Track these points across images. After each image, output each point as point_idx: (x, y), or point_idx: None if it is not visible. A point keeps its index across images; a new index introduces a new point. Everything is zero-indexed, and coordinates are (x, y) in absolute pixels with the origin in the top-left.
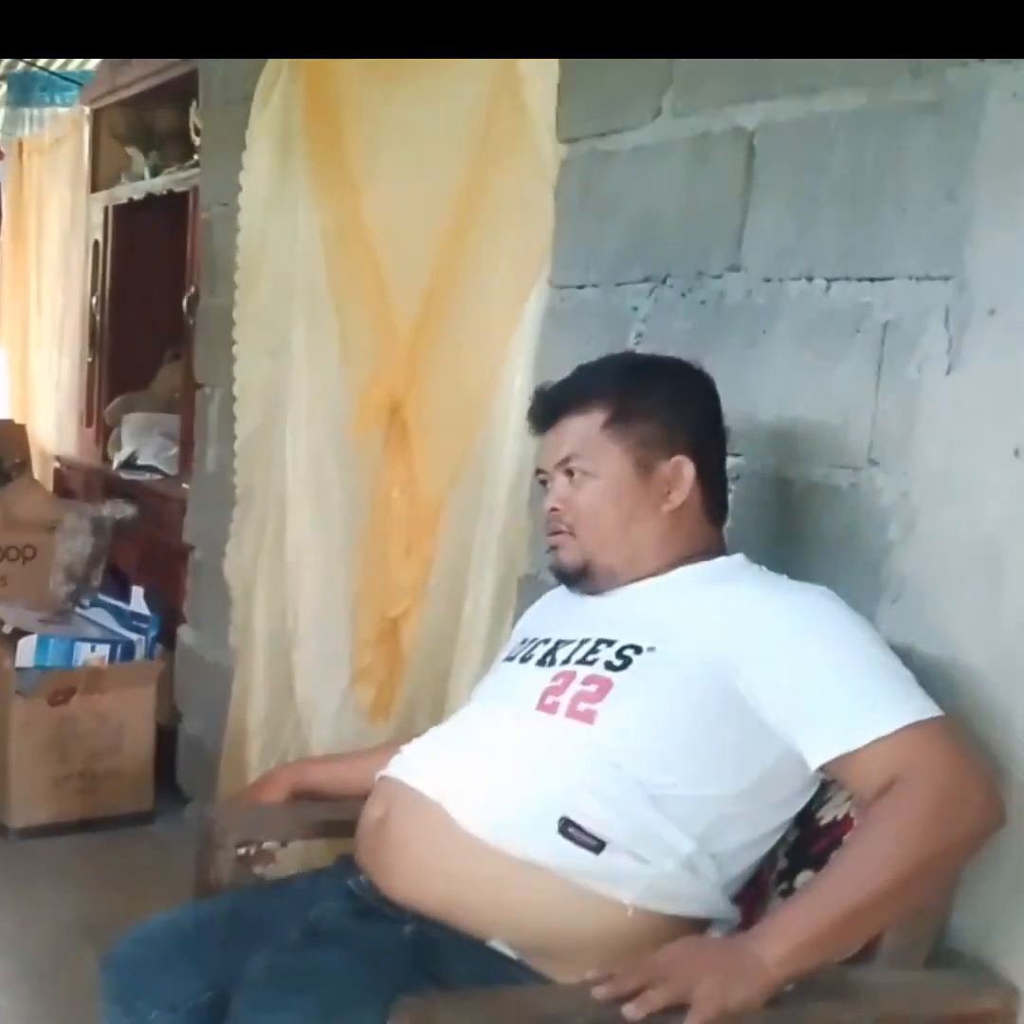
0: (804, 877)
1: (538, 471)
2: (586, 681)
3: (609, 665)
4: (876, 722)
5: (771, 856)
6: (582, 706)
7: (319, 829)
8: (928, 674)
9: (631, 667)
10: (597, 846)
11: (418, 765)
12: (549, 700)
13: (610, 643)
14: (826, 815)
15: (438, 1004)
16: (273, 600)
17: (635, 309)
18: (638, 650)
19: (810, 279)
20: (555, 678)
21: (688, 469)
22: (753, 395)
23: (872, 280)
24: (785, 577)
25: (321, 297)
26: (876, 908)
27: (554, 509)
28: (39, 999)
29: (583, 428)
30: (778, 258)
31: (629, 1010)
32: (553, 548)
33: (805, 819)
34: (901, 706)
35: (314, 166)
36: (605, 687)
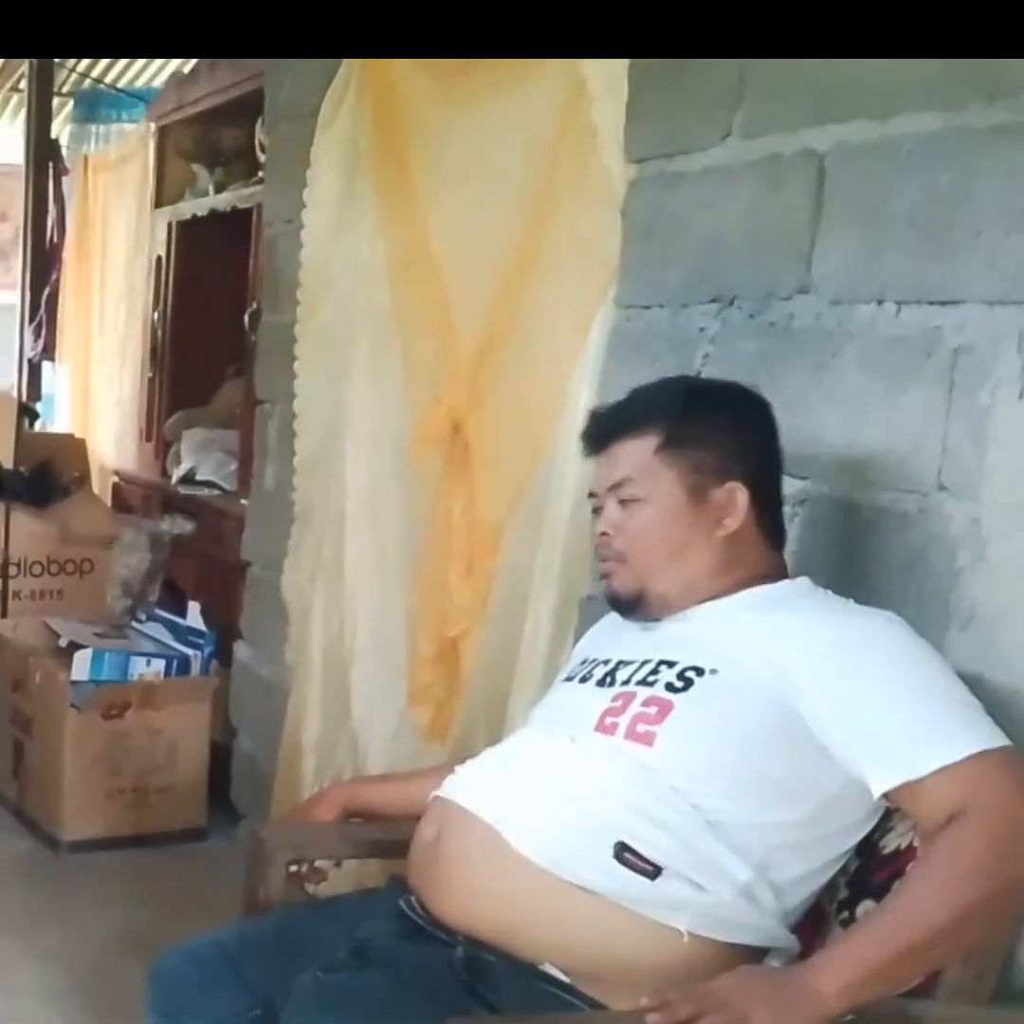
0: (865, 906)
1: (591, 494)
2: (646, 702)
3: (670, 686)
4: (942, 750)
5: (832, 885)
6: (641, 727)
7: (371, 849)
8: (997, 703)
9: (692, 689)
10: (653, 872)
11: (472, 786)
12: (608, 721)
13: (671, 664)
14: (889, 844)
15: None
16: (330, 618)
17: (702, 330)
18: (700, 672)
19: (881, 303)
20: (615, 699)
21: (742, 495)
22: (821, 419)
23: (943, 304)
24: (850, 601)
25: (385, 320)
26: (936, 943)
27: (604, 534)
28: (87, 1012)
29: (636, 452)
30: (848, 281)
31: None
32: (605, 576)
33: (867, 848)
34: (968, 734)
35: (379, 187)
36: (666, 709)
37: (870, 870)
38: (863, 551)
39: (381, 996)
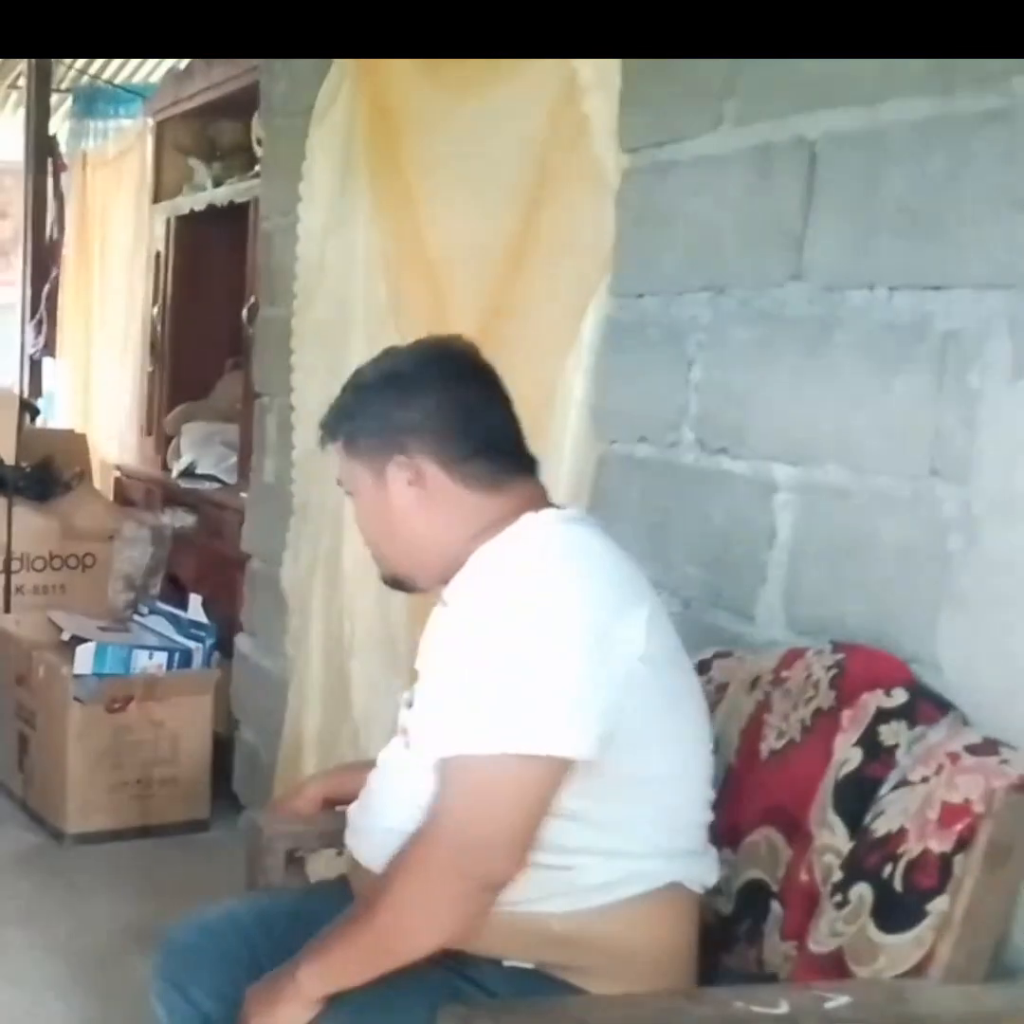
0: (859, 890)
1: None
2: (404, 730)
3: (409, 703)
4: (445, 740)
5: (825, 867)
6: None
7: None
8: (988, 688)
9: (414, 703)
10: None
11: (353, 838)
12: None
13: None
14: (879, 828)
15: (482, 1011)
16: (329, 610)
17: (695, 318)
18: (415, 677)
19: (872, 288)
20: (400, 727)
21: (408, 467)
22: (814, 405)
23: (936, 289)
24: (530, 556)
25: (381, 313)
26: (381, 940)
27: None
28: (93, 1002)
29: (338, 452)
30: (840, 267)
31: None
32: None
33: (861, 831)
34: (472, 733)
35: (374, 180)
36: (405, 732)
37: (863, 854)
38: (856, 537)
39: (372, 993)
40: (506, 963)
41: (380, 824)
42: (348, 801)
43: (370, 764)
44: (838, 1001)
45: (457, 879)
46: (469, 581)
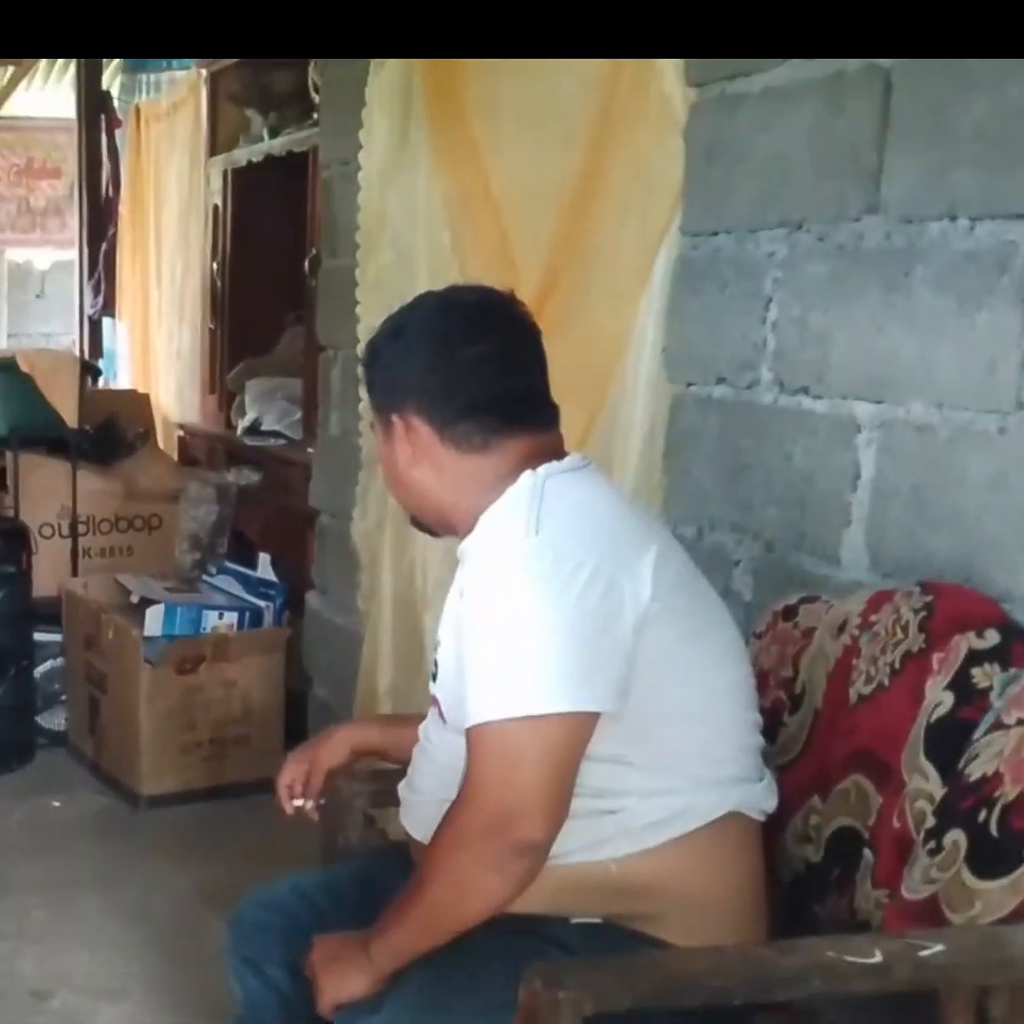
0: (953, 836)
1: None
2: (434, 700)
3: (433, 676)
4: (468, 710)
5: (918, 814)
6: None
7: None
8: None
9: (438, 674)
10: None
11: (403, 807)
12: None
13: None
14: (975, 772)
15: (567, 969)
16: (401, 564)
17: (771, 255)
18: (436, 647)
19: (953, 219)
20: (431, 698)
21: (399, 426)
22: (894, 341)
23: (1019, 217)
24: (523, 520)
25: (445, 261)
26: (435, 912)
27: None
28: (168, 964)
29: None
30: (918, 198)
31: None
32: None
33: (953, 776)
34: (488, 702)
35: (435, 125)
36: (436, 702)
37: (957, 798)
38: (941, 474)
39: (450, 959)
40: (574, 920)
41: (423, 796)
42: (379, 755)
43: (399, 718)
44: (933, 949)
45: (495, 846)
46: (474, 545)
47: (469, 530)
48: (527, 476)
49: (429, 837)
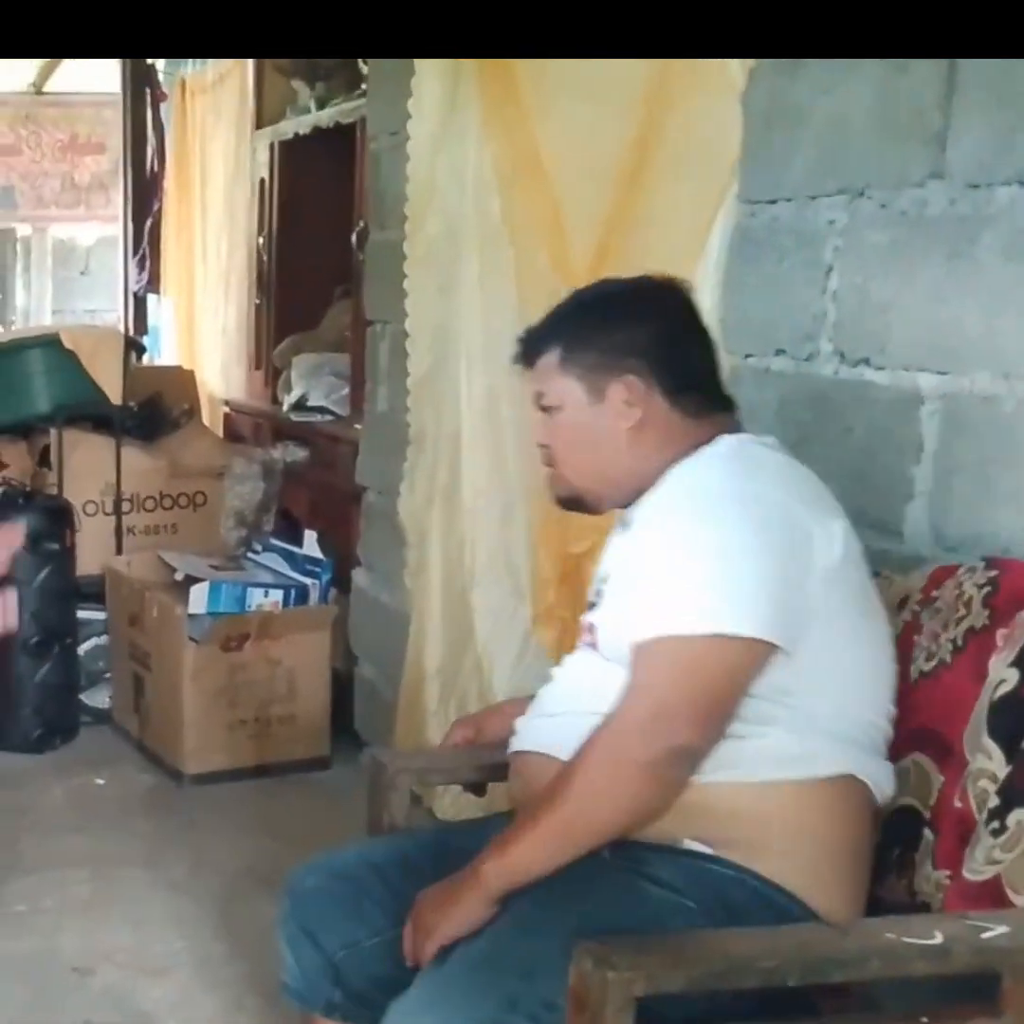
0: (1017, 815)
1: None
2: (590, 628)
3: (591, 605)
4: (648, 624)
5: (981, 793)
6: (599, 651)
7: (492, 773)
8: None
9: (601, 604)
10: None
11: (528, 732)
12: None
13: (604, 580)
14: None
15: (617, 947)
16: (449, 541)
17: (831, 223)
18: (605, 580)
19: (1021, 183)
20: (584, 627)
21: (639, 384)
22: (957, 311)
23: None
24: (727, 462)
25: (495, 232)
26: (572, 825)
27: (542, 445)
28: (216, 941)
29: (546, 367)
30: (985, 163)
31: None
32: (548, 481)
33: (1017, 755)
34: (673, 616)
35: (485, 93)
36: (594, 631)
37: (1020, 778)
38: (1006, 445)
39: (548, 889)
40: (685, 844)
41: (558, 716)
42: (493, 744)
43: (517, 703)
44: (996, 930)
45: (652, 744)
46: (665, 494)
47: (641, 493)
48: (726, 438)
49: (560, 749)
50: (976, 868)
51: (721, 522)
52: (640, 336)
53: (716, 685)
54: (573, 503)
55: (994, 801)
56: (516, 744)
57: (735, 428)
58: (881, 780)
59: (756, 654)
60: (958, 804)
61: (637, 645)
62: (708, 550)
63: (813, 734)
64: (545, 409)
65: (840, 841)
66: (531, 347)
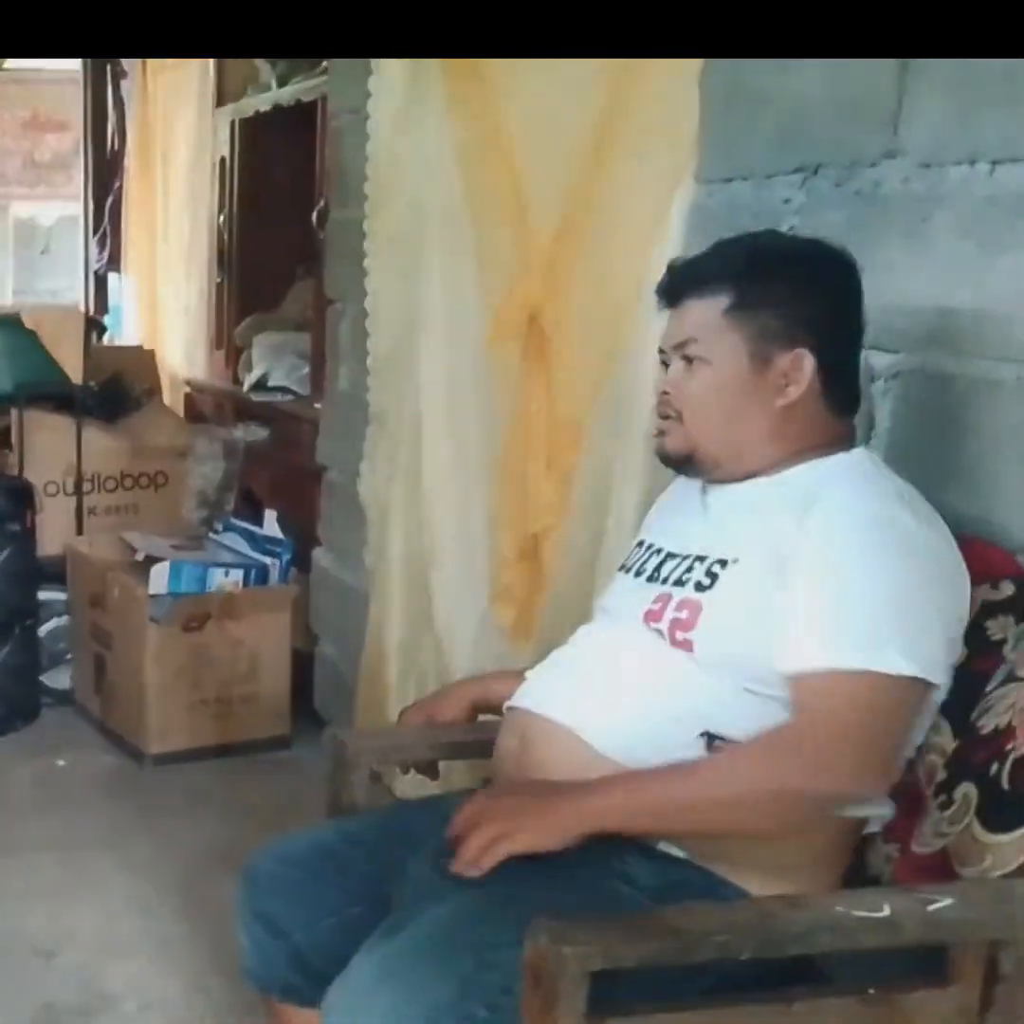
0: (964, 789)
1: (660, 350)
2: (679, 606)
3: (699, 585)
4: (814, 655)
5: (929, 767)
6: (679, 635)
7: (454, 751)
8: None
9: (716, 585)
10: None
11: (546, 693)
12: (652, 624)
13: (703, 559)
14: (987, 724)
15: (574, 925)
16: (409, 520)
17: (787, 201)
18: (724, 564)
19: (973, 163)
20: (655, 600)
21: (808, 363)
22: (912, 288)
23: None
24: (884, 480)
25: (456, 211)
26: (706, 813)
27: (666, 393)
28: (179, 921)
29: (705, 312)
30: (938, 142)
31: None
32: (659, 433)
33: (966, 729)
34: (846, 650)
35: (447, 70)
36: (695, 611)
37: (969, 751)
38: (959, 424)
39: (516, 872)
40: (660, 847)
41: (620, 712)
42: (495, 709)
43: (515, 673)
44: (942, 903)
45: (813, 784)
46: (820, 491)
47: (762, 471)
48: (862, 450)
49: (612, 750)
50: (925, 841)
51: (907, 561)
52: (821, 310)
53: (887, 726)
54: (681, 461)
55: (942, 774)
56: (528, 703)
57: (856, 435)
58: (878, 807)
59: (920, 693)
60: (907, 778)
61: (798, 673)
62: (875, 584)
63: None
64: (688, 358)
65: (826, 863)
66: (689, 284)
